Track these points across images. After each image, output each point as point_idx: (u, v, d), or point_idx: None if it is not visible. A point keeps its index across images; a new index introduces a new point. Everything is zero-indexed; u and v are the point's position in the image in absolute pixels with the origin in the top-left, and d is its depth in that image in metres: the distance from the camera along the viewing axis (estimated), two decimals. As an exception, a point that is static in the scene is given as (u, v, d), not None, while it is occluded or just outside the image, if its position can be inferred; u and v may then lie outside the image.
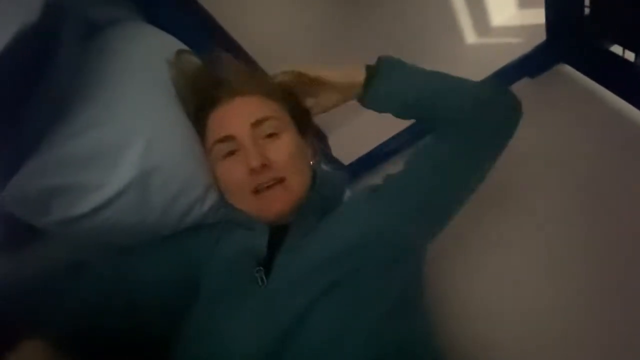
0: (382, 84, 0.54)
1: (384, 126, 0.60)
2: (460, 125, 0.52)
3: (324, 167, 0.86)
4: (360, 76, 0.55)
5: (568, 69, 0.84)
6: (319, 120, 0.68)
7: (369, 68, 0.56)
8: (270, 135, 0.53)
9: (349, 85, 0.56)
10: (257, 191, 0.51)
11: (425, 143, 0.55)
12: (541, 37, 0.84)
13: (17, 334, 0.35)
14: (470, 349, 0.64)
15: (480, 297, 0.70)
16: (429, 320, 0.52)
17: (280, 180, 0.51)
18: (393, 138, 0.99)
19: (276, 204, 0.51)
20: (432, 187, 0.52)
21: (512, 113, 0.55)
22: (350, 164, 1.05)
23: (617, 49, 0.72)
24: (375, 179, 1.01)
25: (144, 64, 0.53)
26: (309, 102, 0.62)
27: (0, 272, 0.43)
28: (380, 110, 0.57)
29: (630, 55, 0.70)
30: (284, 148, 0.52)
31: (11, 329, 0.36)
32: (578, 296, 0.62)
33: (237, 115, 0.53)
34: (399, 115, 0.57)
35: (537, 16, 0.87)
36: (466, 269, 0.73)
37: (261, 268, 0.46)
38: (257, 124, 0.52)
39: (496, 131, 0.54)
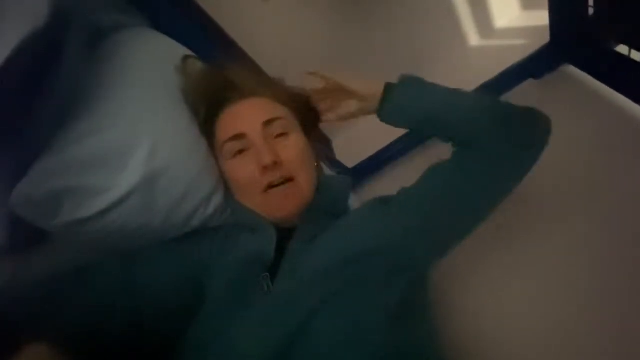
0: (395, 99, 0.54)
1: (387, 129, 0.60)
2: (476, 149, 0.49)
3: (329, 170, 0.86)
4: (379, 89, 0.55)
5: (573, 69, 0.83)
6: (323, 124, 0.68)
7: (389, 84, 0.56)
8: (279, 135, 0.54)
9: (369, 96, 0.56)
10: (267, 190, 0.51)
11: (444, 162, 0.52)
12: (545, 38, 0.84)
13: (21, 338, 0.35)
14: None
15: (489, 309, 0.68)
16: (435, 329, 0.51)
17: (290, 180, 0.52)
18: (397, 141, 0.99)
19: (287, 205, 0.51)
20: (442, 209, 0.50)
21: (536, 136, 0.50)
22: (354, 167, 1.05)
23: (623, 49, 0.72)
24: (379, 183, 1.03)
25: (148, 69, 0.53)
26: (327, 107, 0.63)
27: (5, 275, 0.43)
28: (394, 124, 0.57)
29: (636, 55, 0.69)
30: (294, 147, 0.54)
31: (15, 333, 0.36)
32: (578, 295, 0.61)
33: (249, 115, 0.54)
34: (415, 131, 0.56)
35: (541, 17, 0.87)
36: (471, 277, 0.72)
37: (267, 274, 0.46)
38: (268, 123, 0.53)
39: (517, 156, 0.49)
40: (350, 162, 1.06)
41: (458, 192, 0.50)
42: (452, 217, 0.51)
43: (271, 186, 0.51)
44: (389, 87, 0.55)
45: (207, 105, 0.56)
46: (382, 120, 0.57)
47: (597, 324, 0.58)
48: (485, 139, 0.48)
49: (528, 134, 0.50)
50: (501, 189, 0.51)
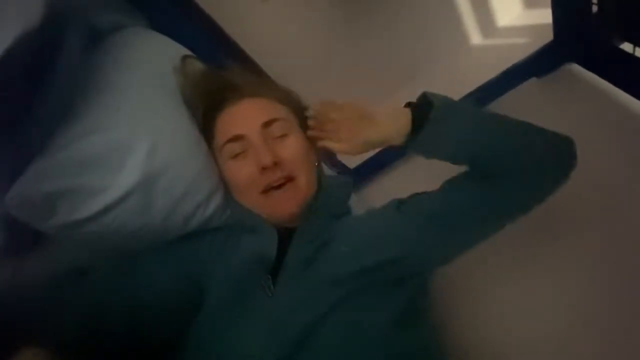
0: (428, 134, 0.47)
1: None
2: (503, 179, 0.47)
3: (330, 170, 0.86)
4: (405, 119, 0.49)
5: (577, 68, 0.82)
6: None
7: (415, 111, 0.49)
8: (279, 136, 0.53)
9: (393, 126, 0.50)
10: (266, 191, 0.51)
11: (463, 179, 0.50)
12: (548, 36, 0.83)
13: (17, 341, 0.35)
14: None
15: (496, 317, 0.68)
16: (437, 333, 0.51)
17: (290, 179, 0.51)
18: (398, 141, 0.98)
19: (287, 205, 0.51)
20: (454, 226, 0.49)
21: (565, 168, 0.49)
22: (356, 168, 1.05)
23: (627, 46, 0.71)
24: (381, 183, 1.02)
25: (147, 69, 0.53)
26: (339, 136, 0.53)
27: (4, 277, 0.43)
28: (423, 157, 0.52)
29: (641, 53, 0.68)
30: (293, 147, 0.53)
31: (12, 336, 0.36)
32: (582, 300, 0.60)
33: (248, 116, 0.53)
34: (449, 162, 0.51)
35: (544, 16, 0.86)
36: (475, 282, 0.71)
37: (269, 276, 0.46)
38: (267, 124, 0.52)
39: (542, 187, 0.49)
40: (351, 162, 1.05)
41: (473, 214, 0.49)
42: (461, 234, 0.50)
43: (270, 187, 0.51)
44: (418, 119, 0.48)
45: (206, 105, 0.56)
46: (410, 153, 0.53)
47: (607, 332, 0.56)
48: (517, 172, 0.47)
49: (559, 167, 0.49)
50: (516, 213, 0.50)
